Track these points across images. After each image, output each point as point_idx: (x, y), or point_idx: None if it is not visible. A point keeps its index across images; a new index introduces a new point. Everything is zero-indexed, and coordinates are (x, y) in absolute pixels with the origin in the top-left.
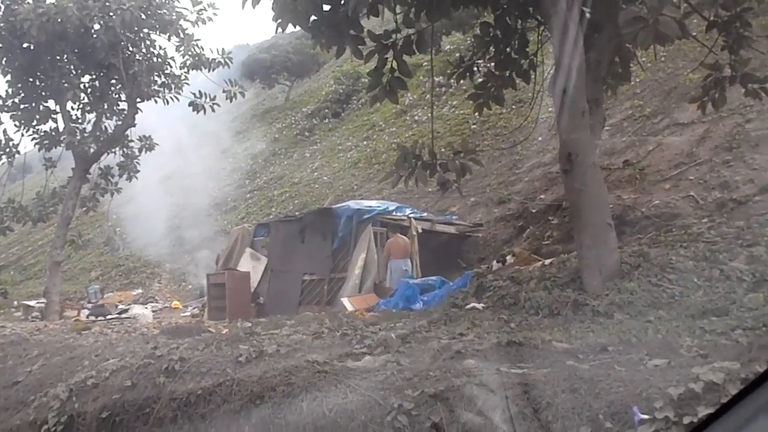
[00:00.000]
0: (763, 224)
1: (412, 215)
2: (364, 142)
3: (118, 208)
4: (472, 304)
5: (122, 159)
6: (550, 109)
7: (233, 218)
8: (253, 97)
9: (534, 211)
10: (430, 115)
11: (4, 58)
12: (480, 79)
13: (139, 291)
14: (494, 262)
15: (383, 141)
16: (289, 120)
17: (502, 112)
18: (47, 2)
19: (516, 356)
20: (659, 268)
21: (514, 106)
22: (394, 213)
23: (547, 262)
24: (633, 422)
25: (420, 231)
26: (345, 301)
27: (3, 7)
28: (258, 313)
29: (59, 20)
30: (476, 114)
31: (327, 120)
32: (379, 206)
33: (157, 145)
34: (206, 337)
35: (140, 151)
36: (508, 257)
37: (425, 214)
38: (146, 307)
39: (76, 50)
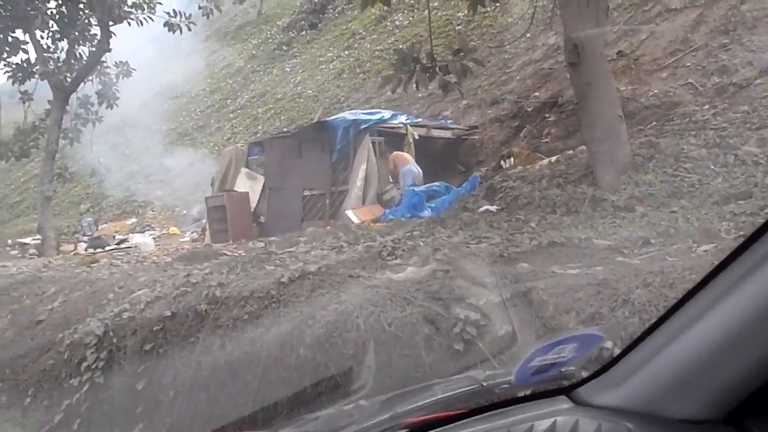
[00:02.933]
0: (767, 107)
1: (407, 122)
2: (346, 52)
3: (101, 137)
4: (485, 207)
5: (100, 87)
6: (537, 4)
7: (219, 140)
8: (223, 14)
9: (530, 109)
10: (410, 19)
11: None
12: None
13: (134, 220)
14: (501, 161)
15: (366, 49)
16: (265, 35)
17: (486, 10)
18: None
19: (561, 257)
20: (673, 158)
21: (498, 4)
22: (389, 121)
23: (554, 159)
24: None
25: (416, 137)
26: (350, 213)
27: None
28: (260, 233)
29: None
30: (460, 14)
31: (304, 32)
32: (374, 115)
33: (135, 70)
34: (226, 260)
35: (117, 77)
36: (510, 158)
37: (420, 120)
38: (146, 235)
39: None
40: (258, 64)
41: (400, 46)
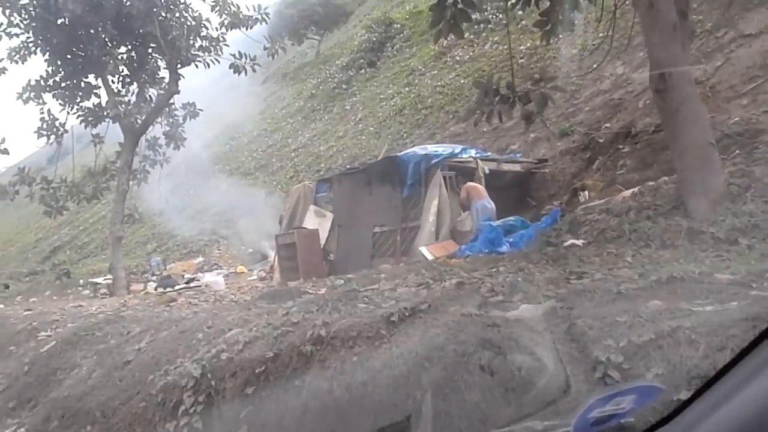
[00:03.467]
0: None
1: (477, 156)
2: (406, 89)
3: (165, 178)
4: (571, 241)
5: (167, 128)
6: (601, 34)
7: (281, 178)
8: (281, 55)
9: (601, 141)
10: (471, 54)
11: (41, 37)
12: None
13: (201, 259)
14: (579, 194)
15: (426, 85)
16: (324, 74)
17: (549, 43)
18: None
19: (685, 292)
20: None
21: (561, 36)
22: (459, 155)
23: (636, 190)
24: None
25: (487, 171)
26: (423, 249)
27: None
28: (330, 270)
29: None
30: (522, 47)
31: (363, 70)
32: (445, 150)
33: (201, 111)
34: (311, 299)
35: (185, 118)
36: (585, 191)
37: (489, 153)
38: (215, 274)
39: (110, 21)
40: (318, 103)
41: (463, 80)
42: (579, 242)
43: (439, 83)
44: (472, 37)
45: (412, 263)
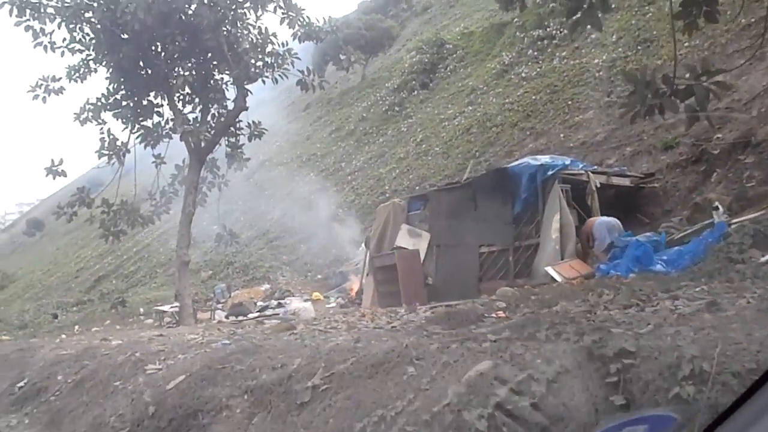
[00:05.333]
0: None
1: (587, 169)
2: (470, 108)
3: (216, 203)
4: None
5: (227, 149)
6: (686, 44)
7: (341, 201)
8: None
9: (715, 152)
10: (538, 70)
11: (105, 52)
12: None
13: (267, 286)
14: (714, 209)
15: (491, 103)
16: (373, 97)
17: (627, 55)
18: None
19: None
20: None
21: (638, 47)
22: (570, 167)
23: None
24: None
25: (598, 185)
26: (550, 270)
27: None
28: (429, 295)
29: None
30: (596, 60)
31: (416, 92)
32: (557, 161)
33: (266, 131)
34: (518, 322)
35: (250, 138)
36: (717, 206)
37: (596, 167)
38: (301, 301)
39: (178, 33)
40: (370, 126)
41: (534, 96)
42: None
43: (507, 100)
44: (536, 53)
45: (538, 285)
